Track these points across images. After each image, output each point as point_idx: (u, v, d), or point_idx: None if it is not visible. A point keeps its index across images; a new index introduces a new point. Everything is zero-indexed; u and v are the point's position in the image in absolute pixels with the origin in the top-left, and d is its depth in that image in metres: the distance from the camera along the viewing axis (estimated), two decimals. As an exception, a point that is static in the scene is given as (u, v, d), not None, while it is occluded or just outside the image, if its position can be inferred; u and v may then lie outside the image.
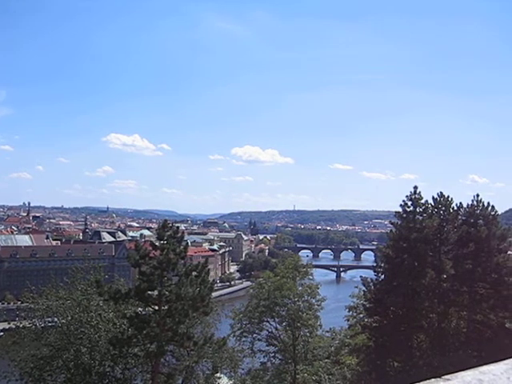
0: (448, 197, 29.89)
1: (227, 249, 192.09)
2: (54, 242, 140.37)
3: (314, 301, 34.54)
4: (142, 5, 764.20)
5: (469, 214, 30.19)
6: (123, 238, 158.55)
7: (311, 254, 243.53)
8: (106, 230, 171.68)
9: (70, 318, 22.41)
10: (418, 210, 28.92)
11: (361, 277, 32.35)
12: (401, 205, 29.11)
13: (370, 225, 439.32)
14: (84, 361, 21.65)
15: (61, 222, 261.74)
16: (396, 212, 30.07)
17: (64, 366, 22.03)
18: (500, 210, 33.14)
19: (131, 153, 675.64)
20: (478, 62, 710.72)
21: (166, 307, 20.01)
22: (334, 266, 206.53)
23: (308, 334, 34.60)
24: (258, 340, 34.49)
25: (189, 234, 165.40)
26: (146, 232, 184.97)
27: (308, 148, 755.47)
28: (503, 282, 28.00)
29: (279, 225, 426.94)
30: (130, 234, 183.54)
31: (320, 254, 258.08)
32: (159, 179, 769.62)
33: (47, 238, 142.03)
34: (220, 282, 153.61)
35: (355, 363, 30.93)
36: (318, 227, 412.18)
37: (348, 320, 36.99)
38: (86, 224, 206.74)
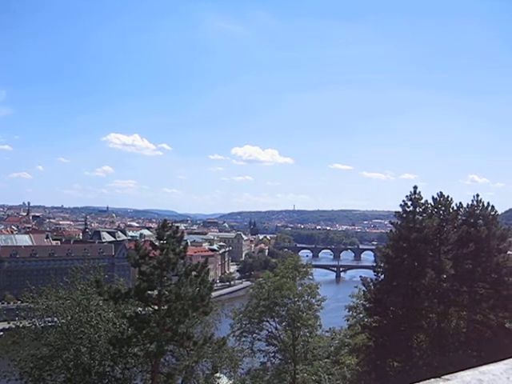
0: (448, 197, 29.90)
1: (227, 249, 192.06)
2: (53, 242, 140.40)
3: (313, 301, 34.58)
4: (141, 5, 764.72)
5: (469, 213, 30.19)
6: (123, 237, 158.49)
7: (311, 254, 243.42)
8: (106, 230, 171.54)
9: (69, 317, 22.41)
10: (417, 209, 28.92)
11: (360, 277, 32.36)
12: (401, 205, 29.11)
13: (369, 225, 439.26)
14: (84, 360, 21.64)
15: (61, 222, 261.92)
16: (396, 212, 30.07)
17: (64, 365, 22.03)
18: (500, 210, 33.17)
19: (131, 153, 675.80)
20: (478, 62, 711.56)
21: (166, 307, 20.02)
22: (333, 266, 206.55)
23: (308, 334, 34.65)
24: (258, 340, 34.52)
25: (188, 233, 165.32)
26: (145, 232, 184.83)
27: (308, 148, 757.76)
28: (503, 282, 28.00)
29: (279, 225, 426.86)
30: (130, 233, 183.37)
31: (320, 254, 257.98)
32: (159, 179, 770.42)
33: (47, 237, 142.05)
34: (220, 282, 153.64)
35: (355, 363, 30.92)
36: (318, 227, 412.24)
37: (348, 320, 37.00)
38: (85, 224, 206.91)
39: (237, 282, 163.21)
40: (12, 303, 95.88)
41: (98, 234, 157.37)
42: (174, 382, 21.72)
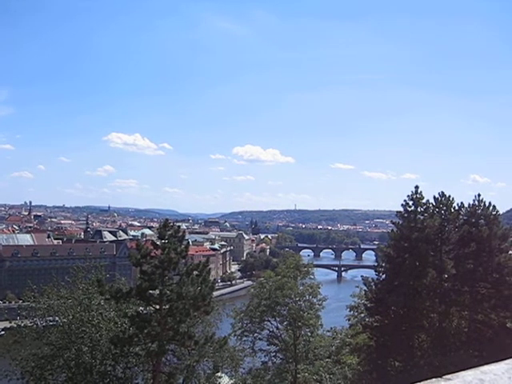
0: (449, 196, 29.86)
1: (228, 248, 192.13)
2: (55, 241, 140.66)
3: (315, 300, 34.57)
4: (141, 5, 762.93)
5: (470, 213, 30.16)
6: (124, 237, 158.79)
7: (312, 254, 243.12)
8: (108, 229, 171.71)
9: (71, 317, 22.42)
10: (419, 209, 28.90)
11: (362, 276, 32.32)
12: (402, 204, 29.11)
13: (371, 224, 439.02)
14: (85, 360, 21.66)
15: (62, 221, 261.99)
16: (397, 212, 30.07)
17: (65, 365, 22.06)
18: (501, 209, 33.21)
19: (132, 152, 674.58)
20: (478, 62, 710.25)
21: (167, 306, 20.03)
22: (335, 266, 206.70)
23: (309, 334, 34.66)
24: (259, 339, 34.53)
25: (190, 233, 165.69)
26: (147, 231, 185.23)
27: (309, 147, 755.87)
28: (504, 282, 27.97)
29: (280, 224, 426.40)
30: (132, 233, 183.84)
31: (321, 254, 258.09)
32: (160, 178, 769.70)
33: (48, 237, 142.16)
34: (221, 282, 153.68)
35: (356, 363, 30.93)
36: (319, 227, 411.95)
37: (349, 319, 37.00)
38: (87, 223, 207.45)
39: (238, 281, 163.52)
40: (13, 302, 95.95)
41: (99, 233, 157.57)
42: (175, 382, 21.74)
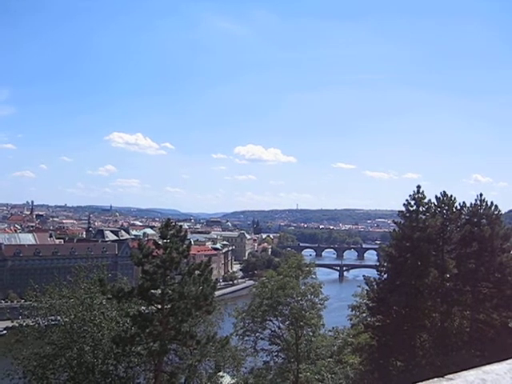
0: (451, 196, 29.85)
1: (230, 248, 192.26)
2: (57, 241, 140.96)
3: (316, 300, 34.58)
4: (141, 5, 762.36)
5: (472, 213, 30.15)
6: (126, 236, 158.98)
7: (314, 253, 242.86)
8: (109, 229, 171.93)
9: (73, 316, 22.41)
10: (421, 209, 28.89)
11: (364, 276, 32.33)
12: (404, 204, 29.09)
13: (373, 224, 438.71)
14: (87, 359, 21.67)
15: (64, 221, 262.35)
16: (399, 211, 30.08)
17: (67, 364, 22.05)
18: (503, 209, 33.22)
19: (134, 152, 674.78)
20: (478, 62, 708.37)
21: (169, 306, 20.03)
22: (336, 265, 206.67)
23: (311, 333, 34.64)
24: (261, 339, 34.52)
25: (192, 232, 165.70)
26: (149, 231, 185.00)
27: (311, 147, 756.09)
28: (506, 282, 27.96)
29: (282, 224, 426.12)
30: (133, 232, 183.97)
31: (323, 253, 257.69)
32: (162, 178, 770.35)
33: (50, 236, 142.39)
34: (223, 281, 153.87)
35: (358, 362, 30.92)
36: (321, 226, 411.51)
37: (351, 319, 36.95)
38: (89, 223, 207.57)
39: (240, 281, 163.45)
40: (15, 302, 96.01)
41: (101, 232, 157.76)
42: (177, 381, 21.75)
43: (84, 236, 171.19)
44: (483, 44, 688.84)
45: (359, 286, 35.85)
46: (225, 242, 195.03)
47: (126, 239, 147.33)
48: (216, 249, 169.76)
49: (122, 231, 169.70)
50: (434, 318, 29.17)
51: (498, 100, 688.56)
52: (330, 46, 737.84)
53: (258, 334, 34.36)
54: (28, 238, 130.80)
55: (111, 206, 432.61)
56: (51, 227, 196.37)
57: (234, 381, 30.73)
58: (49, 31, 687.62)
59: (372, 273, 34.54)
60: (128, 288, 21.41)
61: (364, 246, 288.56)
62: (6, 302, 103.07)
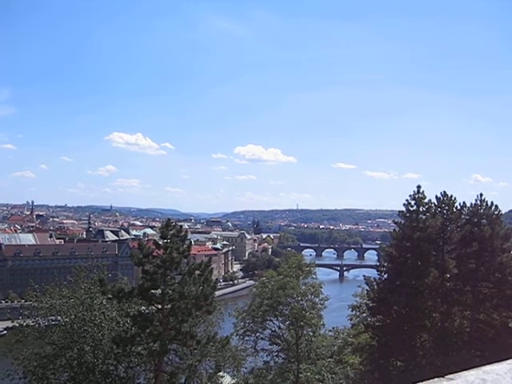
0: (451, 196, 29.86)
1: (230, 248, 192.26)
2: (57, 241, 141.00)
3: (317, 300, 34.56)
4: (141, 5, 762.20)
5: (472, 213, 30.15)
6: (126, 236, 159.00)
7: (314, 253, 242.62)
8: (110, 229, 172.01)
9: (73, 316, 22.41)
10: (421, 209, 28.90)
11: (364, 276, 32.34)
12: (404, 204, 29.10)
13: (373, 224, 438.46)
14: (87, 359, 21.66)
15: (64, 221, 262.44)
16: (399, 211, 30.09)
17: (67, 364, 22.04)
18: (503, 209, 33.22)
19: (134, 152, 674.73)
20: (478, 62, 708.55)
21: (169, 306, 20.02)
22: (337, 265, 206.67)
23: (311, 333, 34.63)
24: (261, 339, 34.52)
25: (192, 232, 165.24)
26: (149, 231, 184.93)
27: (311, 147, 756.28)
28: (506, 282, 27.96)
29: (282, 224, 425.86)
30: (134, 232, 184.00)
31: (323, 253, 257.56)
32: (162, 178, 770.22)
33: (51, 236, 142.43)
34: (223, 281, 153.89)
35: (358, 362, 30.93)
36: (321, 226, 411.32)
37: (351, 319, 36.94)
38: (89, 223, 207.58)
39: (240, 281, 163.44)
40: (16, 302, 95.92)
41: (101, 232, 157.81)
42: (177, 381, 21.73)
43: (84, 236, 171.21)
44: (483, 44, 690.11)
45: (359, 286, 35.85)
46: (225, 242, 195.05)
47: (126, 239, 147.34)
48: (216, 249, 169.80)
49: (122, 231, 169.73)
50: (435, 318, 29.17)
51: (497, 100, 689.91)
52: (329, 45, 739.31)
53: (258, 334, 34.35)
54: (28, 238, 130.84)
55: (111, 206, 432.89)
56: (51, 227, 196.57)
57: (234, 381, 30.71)
58: (49, 31, 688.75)
59: (372, 273, 34.53)
60: (128, 288, 21.39)
61: (364, 246, 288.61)
62: (7, 302, 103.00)
